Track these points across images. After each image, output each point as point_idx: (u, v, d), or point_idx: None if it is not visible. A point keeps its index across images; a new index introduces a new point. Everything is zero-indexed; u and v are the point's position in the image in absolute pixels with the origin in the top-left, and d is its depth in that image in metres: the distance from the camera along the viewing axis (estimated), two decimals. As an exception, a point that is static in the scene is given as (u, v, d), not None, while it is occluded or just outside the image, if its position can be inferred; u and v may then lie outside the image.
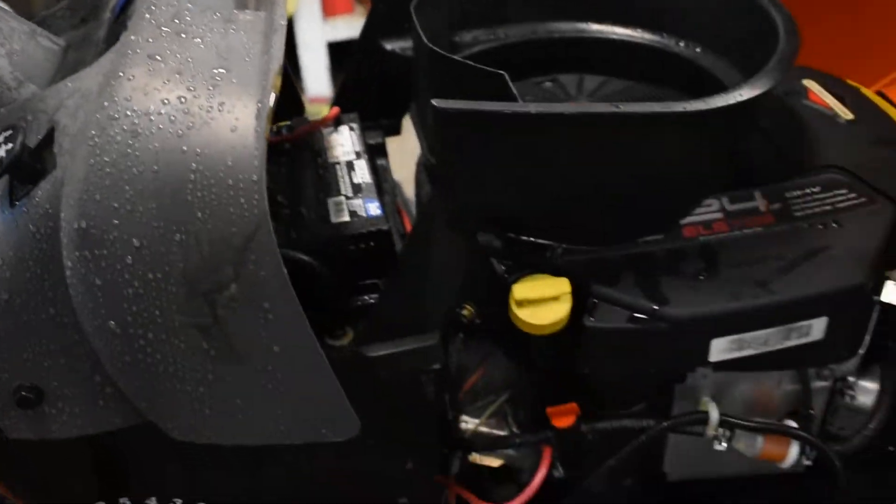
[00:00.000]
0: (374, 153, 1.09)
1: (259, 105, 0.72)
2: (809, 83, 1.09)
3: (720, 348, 0.89)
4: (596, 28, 1.10)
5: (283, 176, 1.00)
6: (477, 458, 1.09)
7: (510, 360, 1.03)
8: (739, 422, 0.95)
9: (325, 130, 1.06)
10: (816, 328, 0.91)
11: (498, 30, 1.10)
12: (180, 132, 0.71)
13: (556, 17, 1.10)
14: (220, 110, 0.72)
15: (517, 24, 1.10)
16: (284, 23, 0.79)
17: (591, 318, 0.87)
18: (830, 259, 0.91)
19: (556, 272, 0.89)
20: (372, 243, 0.91)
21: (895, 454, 1.15)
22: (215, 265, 0.72)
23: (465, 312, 0.97)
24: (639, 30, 1.09)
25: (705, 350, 0.89)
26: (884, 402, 0.98)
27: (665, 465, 1.06)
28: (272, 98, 0.72)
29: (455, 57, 0.87)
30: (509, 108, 0.75)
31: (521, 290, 0.87)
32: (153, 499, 0.95)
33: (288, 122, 1.07)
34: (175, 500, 0.95)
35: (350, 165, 1.00)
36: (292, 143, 1.04)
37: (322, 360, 0.77)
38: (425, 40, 0.89)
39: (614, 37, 1.09)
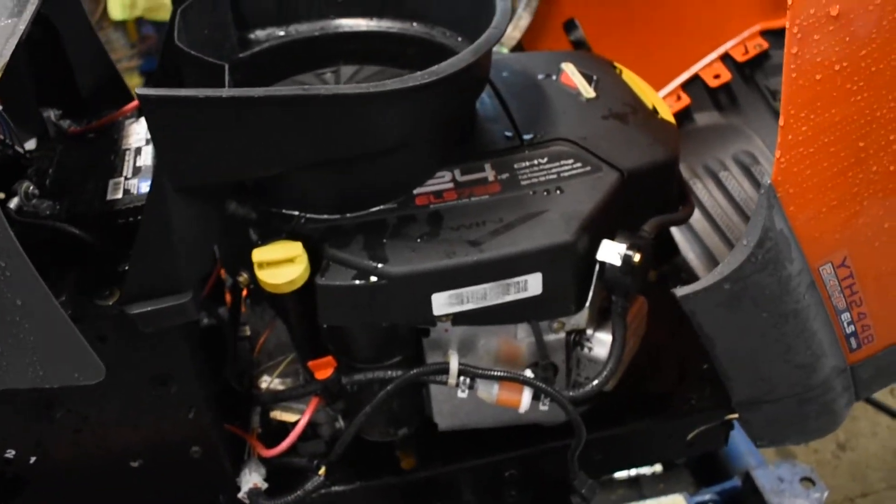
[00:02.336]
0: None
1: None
2: (567, 66, 1.19)
3: (441, 302, 1.00)
4: (374, 24, 1.21)
5: (82, 159, 1.13)
6: (277, 414, 1.21)
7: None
8: (475, 371, 1.06)
9: (128, 121, 1.19)
10: (533, 283, 1.01)
11: (289, 27, 1.22)
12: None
13: (340, 14, 1.22)
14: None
15: (307, 21, 1.22)
16: (23, 27, 0.93)
17: (322, 278, 0.99)
18: (544, 221, 1.01)
19: (301, 239, 1.01)
20: (139, 216, 1.04)
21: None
22: (-44, 230, 0.85)
23: (240, 279, 1.10)
24: (413, 24, 1.20)
25: (427, 304, 1.00)
26: (614, 351, 1.08)
27: (434, 416, 1.17)
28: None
29: (191, 51, 0.98)
30: (202, 93, 0.87)
31: (260, 253, 0.99)
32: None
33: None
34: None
35: (138, 151, 1.13)
36: (96, 131, 1.17)
37: (58, 312, 0.90)
38: (175, 39, 1.02)
39: (389, 30, 1.21)
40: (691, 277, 1.46)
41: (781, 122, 0.88)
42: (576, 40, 1.48)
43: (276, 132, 0.92)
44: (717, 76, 1.51)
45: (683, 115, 1.54)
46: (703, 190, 1.50)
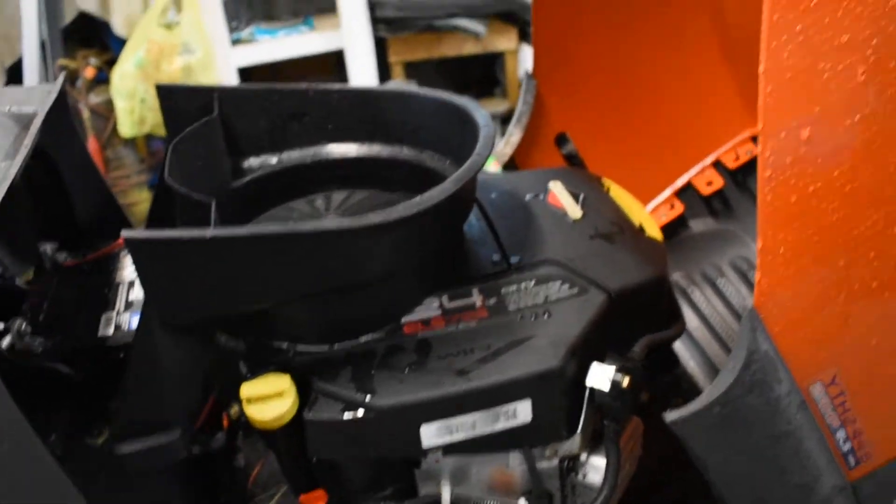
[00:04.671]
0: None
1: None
2: (554, 184, 1.20)
3: (430, 434, 0.99)
4: (364, 149, 1.24)
5: (77, 293, 1.15)
6: (272, 542, 1.19)
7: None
8: (468, 502, 1.05)
9: (123, 253, 1.21)
10: (522, 411, 1.00)
11: (281, 154, 1.25)
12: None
13: (331, 140, 1.24)
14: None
15: (299, 148, 1.25)
16: (14, 171, 0.95)
17: (310, 412, 0.98)
18: (531, 347, 1.01)
19: (290, 371, 1.01)
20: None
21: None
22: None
23: (232, 412, 1.10)
24: (403, 148, 1.22)
25: (416, 436, 0.99)
26: (608, 477, 1.06)
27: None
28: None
29: (180, 188, 1.01)
30: (186, 234, 0.88)
31: (248, 388, 0.99)
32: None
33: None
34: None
35: (131, 284, 1.14)
36: (91, 264, 1.19)
37: (45, 456, 0.90)
38: (166, 175, 1.04)
39: (379, 155, 1.23)
40: (692, 388, 1.44)
41: (759, 244, 0.88)
42: (568, 154, 1.50)
43: (262, 269, 0.93)
44: (709, 183, 1.52)
45: (678, 223, 1.55)
46: (700, 297, 1.50)
